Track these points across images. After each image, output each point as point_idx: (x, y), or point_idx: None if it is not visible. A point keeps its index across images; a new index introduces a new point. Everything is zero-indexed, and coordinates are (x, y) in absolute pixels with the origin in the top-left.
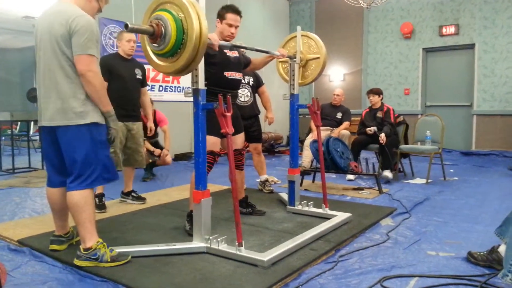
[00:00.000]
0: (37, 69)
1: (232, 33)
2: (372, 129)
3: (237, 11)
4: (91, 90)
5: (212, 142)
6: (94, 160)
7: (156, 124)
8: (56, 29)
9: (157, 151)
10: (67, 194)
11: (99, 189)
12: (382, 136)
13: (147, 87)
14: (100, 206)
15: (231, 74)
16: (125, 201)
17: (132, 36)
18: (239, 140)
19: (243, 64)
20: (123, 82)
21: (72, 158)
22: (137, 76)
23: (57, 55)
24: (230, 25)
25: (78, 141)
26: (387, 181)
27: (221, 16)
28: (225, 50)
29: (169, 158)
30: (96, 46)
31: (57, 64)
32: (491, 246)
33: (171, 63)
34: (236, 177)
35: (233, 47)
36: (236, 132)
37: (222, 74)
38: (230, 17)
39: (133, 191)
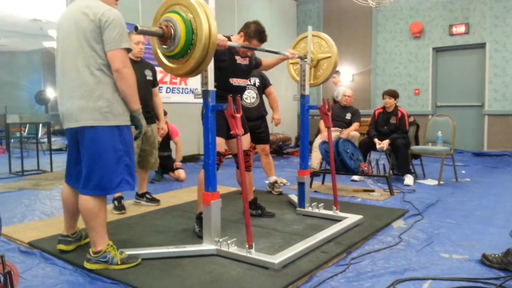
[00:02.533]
0: (58, 69)
1: (248, 54)
2: (383, 147)
3: (264, 41)
4: (125, 87)
5: (217, 143)
6: (116, 165)
7: (168, 136)
8: (84, 26)
9: (178, 165)
10: (80, 198)
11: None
12: (386, 142)
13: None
14: (120, 208)
15: (236, 81)
16: (140, 202)
17: (140, 38)
18: (245, 141)
19: (251, 71)
20: None
21: (92, 161)
22: (148, 78)
23: (84, 52)
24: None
25: (102, 143)
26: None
27: (247, 36)
28: (236, 57)
29: (183, 174)
30: (128, 39)
31: (82, 62)
32: (506, 248)
33: (181, 65)
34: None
35: (243, 49)
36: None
37: (228, 80)
38: (255, 44)
39: (147, 192)
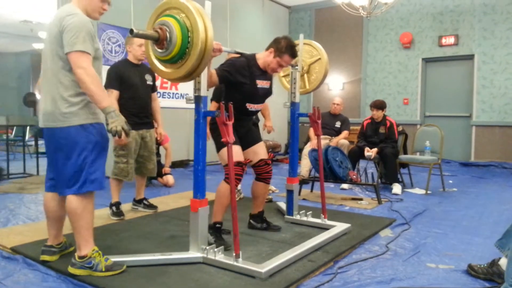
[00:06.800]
0: None
1: (278, 72)
2: (371, 155)
3: (296, 56)
4: (84, 87)
5: (235, 152)
6: (82, 163)
7: (158, 142)
8: (52, 31)
9: (166, 170)
10: (66, 199)
11: (115, 198)
12: (374, 150)
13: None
14: (118, 213)
15: (252, 107)
16: (137, 208)
17: (143, 40)
18: (261, 150)
19: (269, 96)
20: (135, 89)
21: (60, 161)
22: (148, 82)
23: (52, 56)
24: (281, 65)
25: (64, 144)
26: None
27: (278, 51)
28: (257, 81)
29: (172, 180)
30: (84, 41)
31: (50, 66)
32: (491, 258)
33: (176, 69)
34: (259, 190)
35: (237, 54)
36: (254, 142)
37: (244, 105)
38: (286, 59)
39: (144, 198)
